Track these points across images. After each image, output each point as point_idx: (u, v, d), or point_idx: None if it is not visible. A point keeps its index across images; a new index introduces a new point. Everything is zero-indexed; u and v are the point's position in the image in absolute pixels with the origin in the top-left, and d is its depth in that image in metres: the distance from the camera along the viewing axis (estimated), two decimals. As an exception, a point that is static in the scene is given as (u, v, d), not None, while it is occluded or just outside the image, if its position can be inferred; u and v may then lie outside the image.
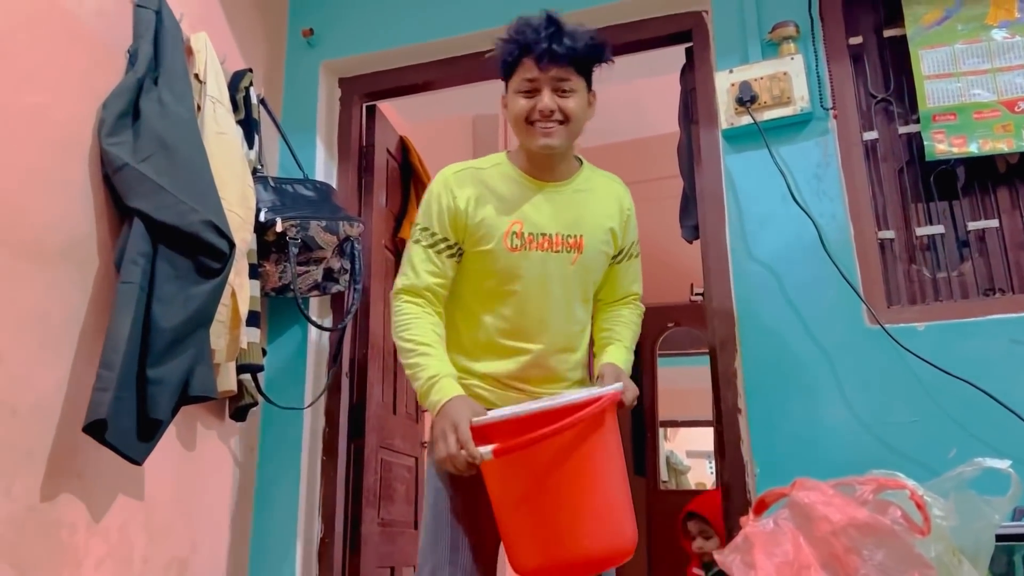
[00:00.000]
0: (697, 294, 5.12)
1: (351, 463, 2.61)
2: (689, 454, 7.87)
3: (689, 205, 2.56)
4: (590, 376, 1.86)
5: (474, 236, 1.73)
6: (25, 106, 1.81)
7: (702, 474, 7.81)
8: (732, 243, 2.30)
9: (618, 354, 1.82)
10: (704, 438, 6.92)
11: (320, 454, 2.60)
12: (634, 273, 1.96)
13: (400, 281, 1.74)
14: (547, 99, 1.67)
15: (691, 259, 5.04)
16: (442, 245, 1.74)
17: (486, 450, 1.46)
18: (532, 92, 1.68)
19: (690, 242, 2.60)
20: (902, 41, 2.26)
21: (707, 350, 5.22)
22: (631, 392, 1.68)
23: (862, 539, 1.06)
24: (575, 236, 1.76)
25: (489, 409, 1.64)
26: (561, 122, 1.69)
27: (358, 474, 2.60)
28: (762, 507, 1.35)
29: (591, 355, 1.89)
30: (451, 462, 1.51)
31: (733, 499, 2.18)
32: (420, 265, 1.73)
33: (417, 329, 1.68)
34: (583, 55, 1.68)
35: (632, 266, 1.94)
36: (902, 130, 2.27)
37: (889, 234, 2.20)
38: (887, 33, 2.34)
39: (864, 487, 1.19)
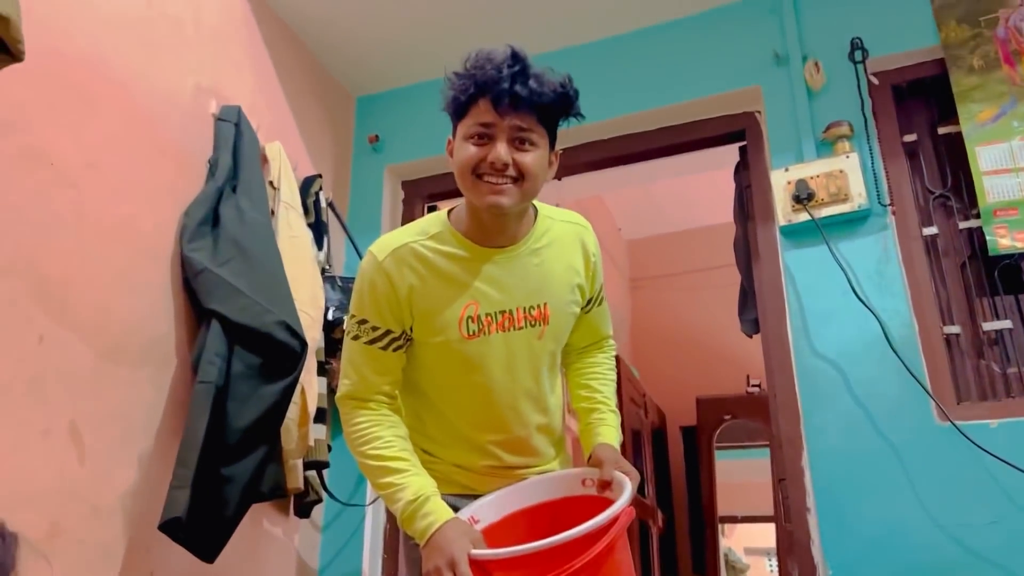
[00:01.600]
0: (754, 385, 5.09)
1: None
2: (747, 551, 7.59)
3: (748, 300, 2.57)
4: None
5: (422, 327, 1.49)
6: (116, 216, 1.93)
7: (761, 572, 7.51)
8: (794, 338, 2.29)
9: (610, 432, 1.60)
10: (763, 535, 6.69)
11: (381, 552, 2.59)
12: (604, 316, 1.74)
13: (343, 387, 1.50)
14: (501, 150, 1.38)
15: (746, 350, 5.01)
16: (385, 340, 1.49)
17: None
18: (484, 139, 1.40)
19: (750, 336, 2.60)
20: (957, 138, 2.29)
21: (765, 442, 5.13)
22: (636, 480, 1.45)
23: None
24: (539, 306, 1.53)
25: (469, 495, 1.50)
26: (515, 180, 1.40)
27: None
28: None
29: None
30: None
31: (806, 603, 2.11)
32: (364, 366, 1.49)
33: (379, 442, 1.44)
34: (549, 104, 1.40)
35: (602, 311, 1.73)
36: (962, 225, 2.27)
37: (955, 329, 2.18)
38: (942, 130, 2.37)
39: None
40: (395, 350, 1.50)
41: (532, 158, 1.41)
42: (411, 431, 1.53)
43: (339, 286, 2.54)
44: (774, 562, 5.72)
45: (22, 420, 1.63)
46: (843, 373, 2.20)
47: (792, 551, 2.19)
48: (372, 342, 1.48)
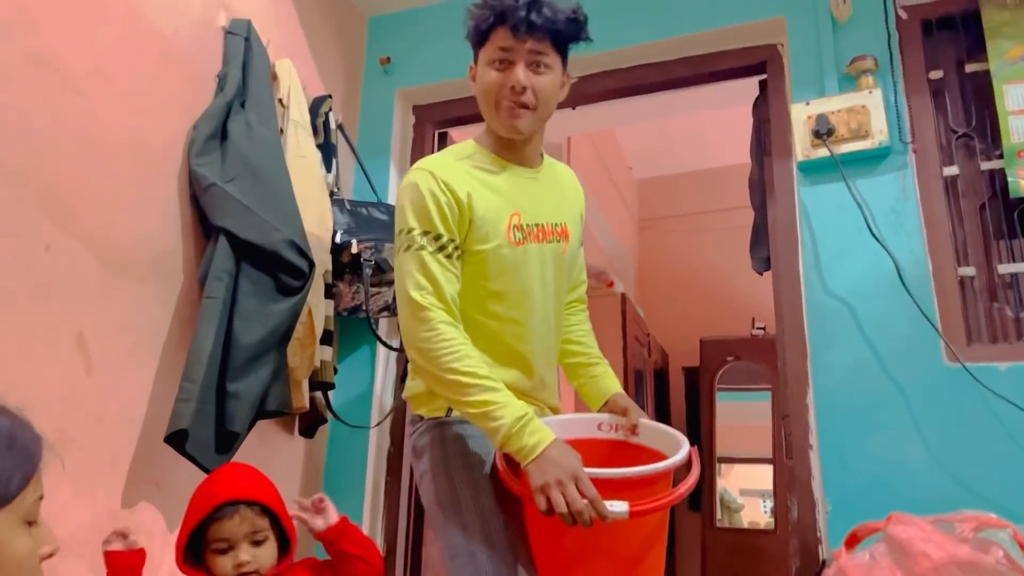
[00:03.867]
0: (759, 328, 5.08)
1: (414, 485, 2.62)
2: (742, 492, 7.70)
3: (760, 236, 2.54)
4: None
5: (477, 233, 1.55)
6: (123, 127, 1.89)
7: (755, 513, 7.63)
8: (806, 276, 2.27)
9: (617, 383, 1.75)
10: (759, 476, 6.77)
11: (384, 474, 2.62)
12: (583, 259, 1.87)
13: (422, 296, 1.47)
14: (520, 74, 1.52)
15: (752, 292, 5.01)
16: (451, 247, 1.52)
17: (621, 508, 1.28)
18: (505, 64, 1.54)
19: (760, 273, 2.57)
20: (985, 76, 2.22)
21: (767, 386, 5.15)
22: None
23: (963, 577, 1.04)
24: (561, 224, 1.67)
25: None
26: (531, 107, 1.55)
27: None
28: (854, 541, 1.33)
29: None
30: (574, 516, 1.29)
31: (803, 536, 2.13)
32: (440, 274, 1.49)
33: (470, 361, 1.44)
34: (563, 29, 1.54)
35: (582, 253, 1.84)
36: (984, 166, 2.23)
37: (970, 271, 2.16)
38: (969, 68, 2.30)
39: (964, 525, 1.16)
40: (457, 259, 1.54)
41: (547, 81, 1.56)
42: None
43: (347, 209, 2.51)
44: (768, 503, 5.79)
45: (29, 328, 1.62)
46: (853, 311, 2.18)
47: (792, 487, 2.20)
48: (438, 251, 1.51)
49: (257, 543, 1.51)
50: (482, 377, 1.42)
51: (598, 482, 1.31)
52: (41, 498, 0.99)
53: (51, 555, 0.99)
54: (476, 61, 1.62)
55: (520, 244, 1.59)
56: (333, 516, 1.60)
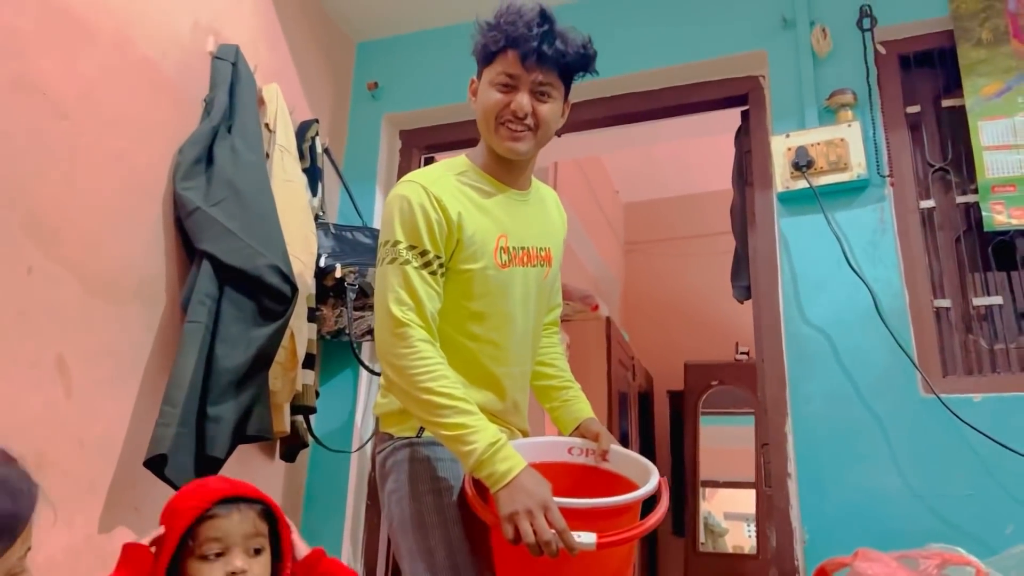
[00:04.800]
0: (742, 353, 5.11)
1: (394, 509, 2.62)
2: (727, 516, 7.71)
3: (741, 265, 2.57)
4: None
5: (464, 253, 1.54)
6: (109, 151, 1.90)
7: (739, 537, 7.63)
8: (785, 306, 2.30)
9: (589, 408, 1.74)
10: (743, 500, 6.79)
11: (365, 498, 2.61)
12: (559, 283, 1.88)
13: (400, 312, 1.45)
14: (523, 100, 1.53)
15: (736, 317, 5.03)
16: (436, 264, 1.51)
17: (589, 540, 1.27)
18: (508, 88, 1.55)
19: (741, 302, 2.60)
20: (961, 111, 2.27)
21: (750, 410, 5.18)
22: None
23: (927, 615, 1.05)
24: (546, 248, 1.68)
25: None
26: (532, 128, 1.56)
27: (401, 520, 2.61)
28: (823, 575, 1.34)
29: None
30: (542, 547, 1.28)
31: (781, 565, 2.14)
32: (422, 291, 1.47)
33: (447, 381, 1.43)
34: (572, 63, 1.56)
35: (559, 276, 1.85)
36: (960, 199, 2.27)
37: (945, 303, 2.19)
38: (945, 103, 2.35)
39: (928, 561, 1.18)
40: (441, 276, 1.52)
41: (549, 108, 1.57)
42: None
43: (332, 233, 2.52)
44: (752, 527, 5.80)
45: (9, 351, 1.62)
46: (832, 341, 2.21)
47: (771, 515, 2.22)
48: (423, 267, 1.49)
49: (255, 552, 1.31)
50: (457, 399, 1.41)
51: (567, 511, 1.31)
52: (28, 550, 0.93)
53: None
54: (479, 76, 1.63)
55: (506, 267, 1.58)
56: (302, 550, 1.43)
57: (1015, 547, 1.32)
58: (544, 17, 1.52)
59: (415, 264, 1.48)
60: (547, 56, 1.52)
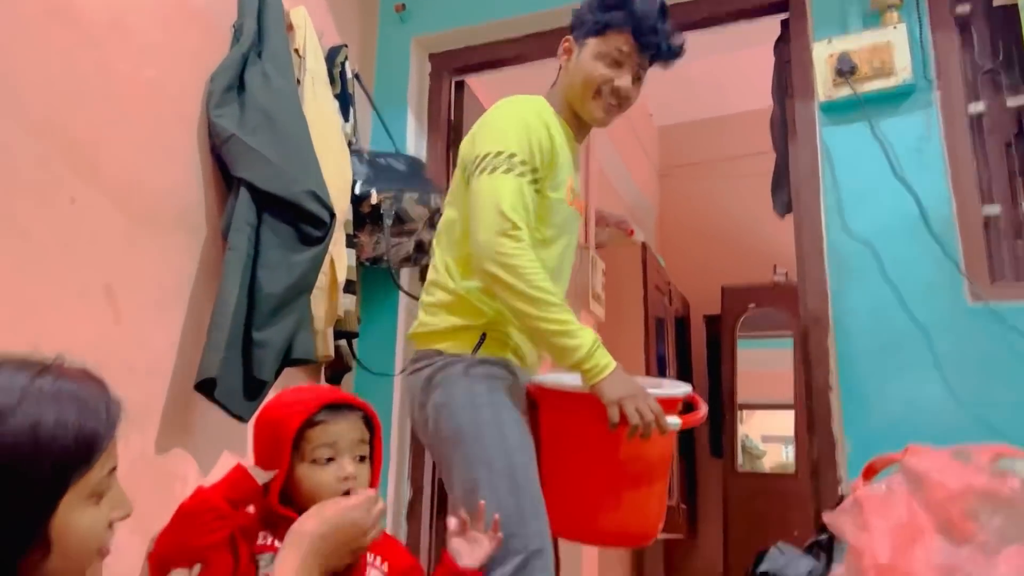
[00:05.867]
0: (780, 274, 5.06)
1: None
2: (764, 438, 7.76)
3: (782, 179, 2.51)
4: None
5: (550, 180, 1.65)
6: (142, 80, 1.90)
7: (777, 458, 7.69)
8: (828, 218, 2.25)
9: None
10: (780, 423, 6.82)
11: (410, 419, 2.66)
12: None
13: (517, 216, 1.52)
14: (628, 81, 1.69)
15: (774, 239, 4.97)
16: (532, 177, 1.60)
17: (675, 421, 1.53)
18: (615, 64, 1.68)
19: (782, 216, 2.56)
20: (1012, 9, 2.16)
21: (788, 332, 5.15)
22: None
23: (980, 505, 1.05)
24: (582, 200, 1.82)
25: (523, 367, 1.70)
26: (620, 106, 1.73)
27: (445, 441, 2.66)
28: (871, 472, 1.35)
29: None
30: (646, 426, 1.47)
31: (824, 475, 2.15)
32: (530, 205, 1.57)
33: (551, 285, 1.53)
34: (672, 58, 1.74)
35: None
36: (1011, 102, 2.18)
37: (994, 209, 2.13)
38: (996, 1, 2.25)
39: (980, 455, 1.18)
40: (536, 192, 1.61)
41: (637, 91, 1.75)
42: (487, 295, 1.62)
43: (366, 160, 2.51)
44: (790, 448, 5.82)
45: (58, 281, 1.65)
46: (876, 253, 2.17)
47: (813, 427, 2.22)
48: (531, 183, 1.59)
49: (360, 459, 1.31)
50: (561, 299, 1.53)
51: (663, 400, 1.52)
52: (114, 469, 0.92)
53: (124, 518, 0.95)
54: (578, 40, 1.72)
55: (570, 205, 1.72)
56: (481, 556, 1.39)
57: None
58: (665, 11, 1.68)
59: (527, 179, 1.58)
60: (660, 50, 1.68)
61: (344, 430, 1.29)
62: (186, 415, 1.94)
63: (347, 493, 1.23)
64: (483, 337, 1.63)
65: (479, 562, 1.36)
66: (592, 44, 1.69)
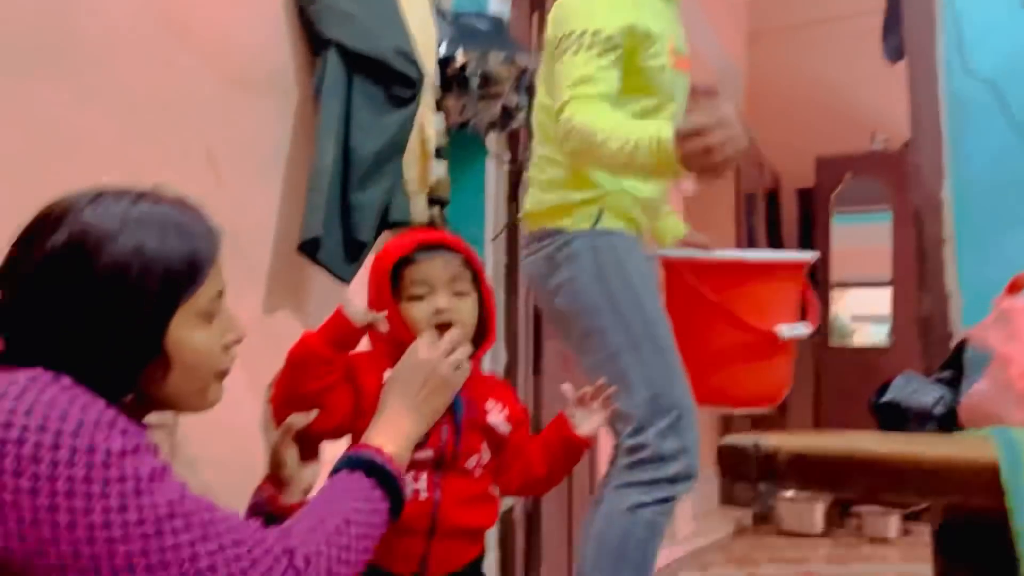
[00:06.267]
0: (881, 140, 4.81)
1: (531, 297, 2.68)
2: (854, 318, 7.62)
3: (894, 19, 2.34)
4: None
5: (644, 48, 1.59)
6: (225, -63, 1.86)
7: (866, 338, 7.57)
8: (947, 57, 2.09)
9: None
10: (873, 302, 6.66)
11: (503, 288, 2.68)
12: None
13: (590, 89, 1.50)
14: None
15: (874, 104, 4.71)
16: (615, 56, 1.55)
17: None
18: None
19: (893, 62, 2.40)
20: None
21: (886, 206, 4.94)
22: None
23: None
24: (687, 57, 1.73)
25: (639, 235, 1.69)
26: None
27: (538, 308, 2.67)
28: (1016, 287, 1.29)
29: None
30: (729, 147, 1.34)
31: (934, 332, 2.08)
32: (613, 72, 1.53)
33: (610, 119, 1.50)
34: None
35: None
36: None
37: None
38: None
39: None
40: (617, 71, 1.56)
41: None
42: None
43: (449, 20, 2.45)
44: (882, 328, 5.66)
45: (161, 144, 1.68)
46: (1001, 95, 2.01)
47: (922, 282, 2.13)
48: (609, 53, 1.53)
49: (458, 295, 1.29)
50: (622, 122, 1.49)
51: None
52: (221, 293, 0.94)
53: (237, 342, 0.96)
54: None
55: (674, 68, 1.65)
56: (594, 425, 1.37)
57: None
58: None
59: (597, 50, 1.52)
60: None
61: (436, 268, 1.28)
62: (290, 276, 1.99)
63: (443, 326, 1.24)
64: (601, 211, 1.62)
65: (592, 432, 1.37)
66: None
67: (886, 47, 2.38)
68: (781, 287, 1.81)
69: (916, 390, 1.16)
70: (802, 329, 1.52)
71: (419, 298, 1.27)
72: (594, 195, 1.62)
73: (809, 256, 1.73)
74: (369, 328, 1.25)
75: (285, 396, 1.27)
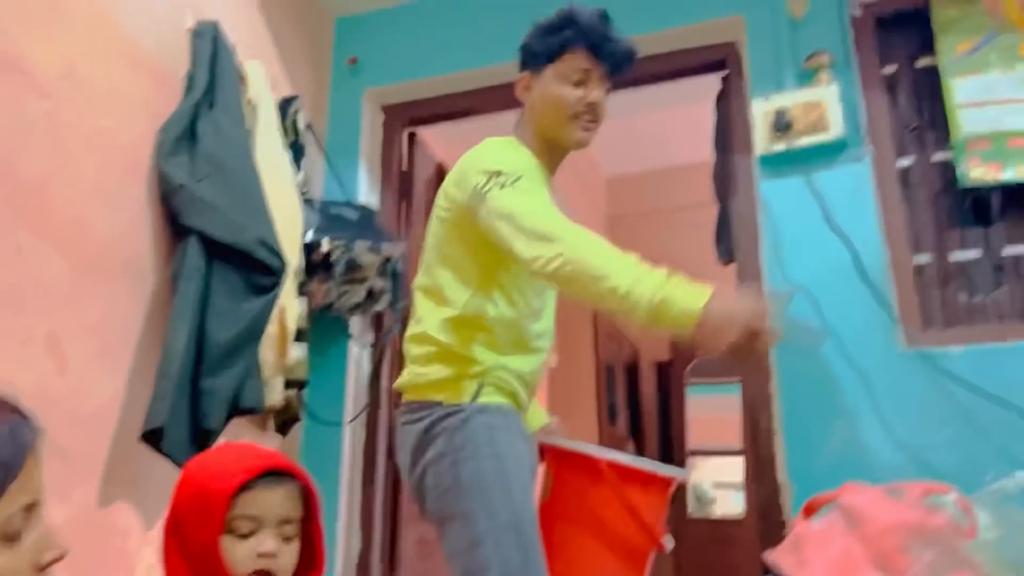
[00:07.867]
0: (727, 321, 5.15)
1: (390, 480, 2.66)
2: (716, 485, 7.81)
3: (724, 229, 2.60)
4: None
5: None
6: (92, 129, 1.91)
7: (728, 505, 7.74)
8: (767, 266, 2.33)
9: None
10: (731, 469, 6.89)
11: (360, 470, 2.64)
12: None
13: (547, 221, 1.43)
14: (600, 95, 1.63)
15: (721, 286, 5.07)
16: (544, 189, 1.56)
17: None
18: (581, 83, 1.62)
19: (725, 264, 2.64)
20: (935, 71, 2.30)
21: (737, 378, 5.23)
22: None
23: (911, 540, 1.10)
24: None
25: (519, 410, 1.62)
26: (598, 123, 1.66)
27: (396, 491, 2.64)
28: (811, 511, 1.39)
29: None
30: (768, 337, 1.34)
31: (768, 519, 2.19)
32: (548, 202, 1.50)
33: (602, 255, 1.46)
34: (629, 62, 1.68)
35: None
36: (936, 157, 2.31)
37: (924, 258, 2.23)
38: (920, 63, 2.38)
39: (912, 491, 1.23)
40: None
41: (606, 102, 1.67)
42: (477, 338, 1.57)
43: (317, 209, 2.53)
44: (740, 495, 5.86)
45: (1, 328, 1.63)
46: (814, 300, 2.24)
47: (758, 473, 2.26)
48: (532, 184, 1.50)
49: (285, 540, 1.15)
50: (619, 257, 1.48)
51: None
52: (32, 505, 0.84)
53: (57, 560, 0.86)
54: (532, 74, 1.68)
55: None
56: None
57: (994, 484, 1.37)
58: (607, 18, 1.65)
59: (526, 185, 1.49)
60: (617, 56, 1.63)
61: (274, 503, 1.14)
62: (130, 467, 1.91)
63: (263, 574, 1.11)
64: (480, 385, 1.57)
65: None
66: (550, 71, 1.65)
67: (719, 251, 2.63)
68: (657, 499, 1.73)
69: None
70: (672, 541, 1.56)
71: (244, 536, 1.12)
72: (474, 370, 1.57)
73: (679, 473, 1.71)
74: None
75: None
